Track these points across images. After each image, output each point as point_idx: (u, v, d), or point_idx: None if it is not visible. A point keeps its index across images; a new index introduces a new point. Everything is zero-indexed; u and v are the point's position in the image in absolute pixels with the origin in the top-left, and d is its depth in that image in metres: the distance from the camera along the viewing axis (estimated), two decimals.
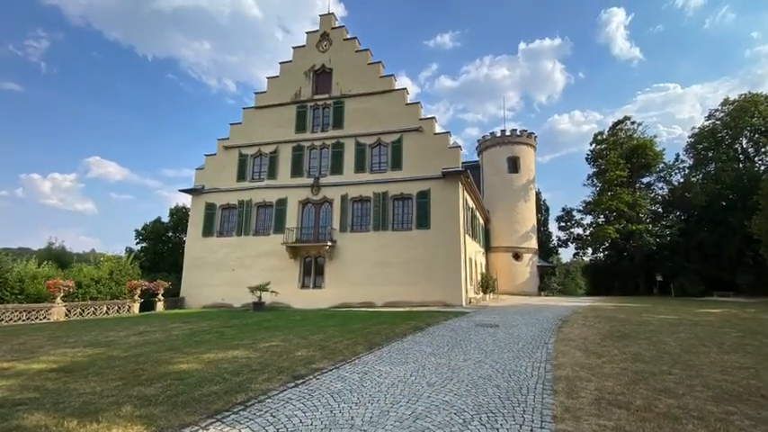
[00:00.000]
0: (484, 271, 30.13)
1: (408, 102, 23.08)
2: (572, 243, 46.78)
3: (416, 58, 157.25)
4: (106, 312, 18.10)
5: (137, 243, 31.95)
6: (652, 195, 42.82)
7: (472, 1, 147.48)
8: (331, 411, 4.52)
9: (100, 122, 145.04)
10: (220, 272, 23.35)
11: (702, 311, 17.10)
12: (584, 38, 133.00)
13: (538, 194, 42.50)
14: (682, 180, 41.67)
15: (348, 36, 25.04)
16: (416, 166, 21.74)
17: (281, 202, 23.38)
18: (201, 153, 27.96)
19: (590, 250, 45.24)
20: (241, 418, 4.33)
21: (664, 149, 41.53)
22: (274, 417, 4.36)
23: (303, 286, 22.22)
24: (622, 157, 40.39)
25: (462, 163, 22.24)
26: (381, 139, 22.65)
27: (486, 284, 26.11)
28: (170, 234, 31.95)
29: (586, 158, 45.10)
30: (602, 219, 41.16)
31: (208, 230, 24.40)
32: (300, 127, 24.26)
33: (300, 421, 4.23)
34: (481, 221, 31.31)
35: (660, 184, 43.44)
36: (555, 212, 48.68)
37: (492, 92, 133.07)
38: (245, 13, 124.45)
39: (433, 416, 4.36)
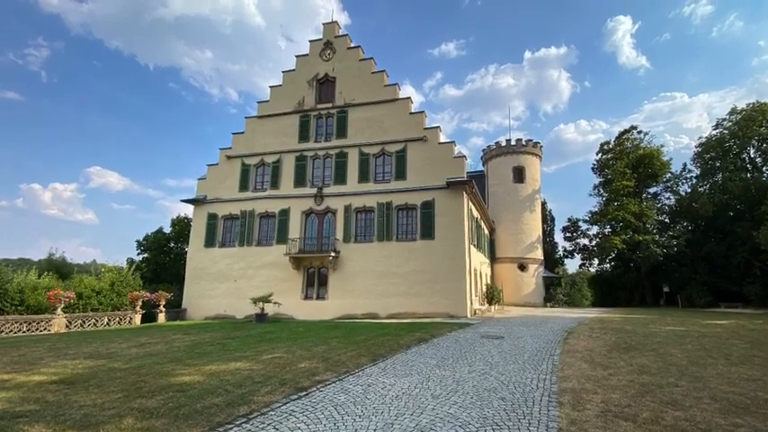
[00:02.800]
0: (489, 282, 29.97)
1: (412, 111, 23.14)
2: (578, 254, 46.48)
3: (421, 67, 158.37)
4: (107, 324, 18.07)
5: (138, 254, 31.94)
6: (659, 205, 42.49)
7: (477, 9, 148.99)
8: (335, 424, 4.48)
9: (101, 132, 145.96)
10: (223, 283, 23.32)
11: (710, 323, 16.91)
12: (591, 46, 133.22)
13: (543, 205, 42.40)
14: (689, 190, 41.44)
15: (351, 45, 25.17)
16: (421, 175, 21.74)
17: (284, 213, 23.40)
18: (204, 163, 28.18)
19: (596, 261, 44.89)
20: (243, 430, 4.30)
21: (671, 159, 41.45)
22: (277, 429, 4.32)
23: (306, 297, 22.13)
24: (629, 166, 40.22)
25: (467, 173, 22.19)
26: (385, 149, 22.71)
27: (492, 295, 25.92)
28: (172, 245, 31.96)
29: (592, 168, 45.06)
30: (608, 229, 40.85)
31: (210, 241, 24.39)
32: (303, 136, 24.36)
33: None
34: (486, 232, 31.21)
35: (667, 194, 43.18)
36: (561, 223, 48.44)
37: (497, 101, 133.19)
38: (247, 22, 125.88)
39: (437, 428, 4.32)
